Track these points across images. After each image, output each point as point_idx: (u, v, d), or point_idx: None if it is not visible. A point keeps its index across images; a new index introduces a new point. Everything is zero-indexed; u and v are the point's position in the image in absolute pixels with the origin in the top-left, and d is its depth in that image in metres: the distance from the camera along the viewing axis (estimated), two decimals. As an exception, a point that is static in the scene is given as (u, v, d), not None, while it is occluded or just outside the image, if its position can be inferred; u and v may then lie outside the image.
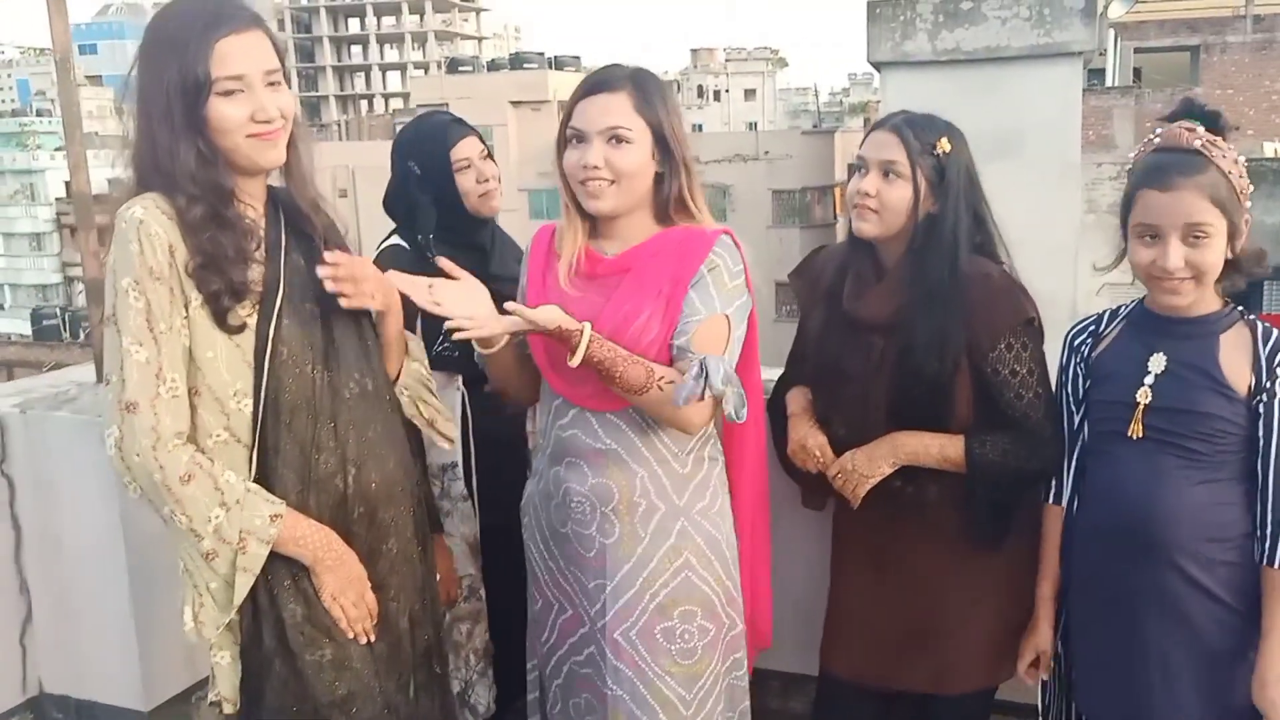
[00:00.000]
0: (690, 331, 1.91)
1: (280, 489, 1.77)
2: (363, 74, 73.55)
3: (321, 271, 1.78)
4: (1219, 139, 1.86)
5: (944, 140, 2.05)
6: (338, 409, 1.81)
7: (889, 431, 2.08)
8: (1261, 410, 1.83)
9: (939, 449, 2.06)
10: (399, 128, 2.83)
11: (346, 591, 1.81)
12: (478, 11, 78.04)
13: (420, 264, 2.30)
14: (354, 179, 26.45)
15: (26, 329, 39.54)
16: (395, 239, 2.52)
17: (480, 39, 77.42)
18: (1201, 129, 1.87)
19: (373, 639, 1.86)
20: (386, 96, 69.93)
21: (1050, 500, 2.10)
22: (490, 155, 2.57)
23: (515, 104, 32.66)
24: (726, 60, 68.60)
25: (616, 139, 1.92)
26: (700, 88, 64.78)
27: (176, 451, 1.69)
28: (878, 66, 4.36)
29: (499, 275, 2.31)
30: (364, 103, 70.85)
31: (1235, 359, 1.86)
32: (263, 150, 1.76)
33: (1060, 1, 4.01)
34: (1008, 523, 2.10)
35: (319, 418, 1.79)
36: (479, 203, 2.52)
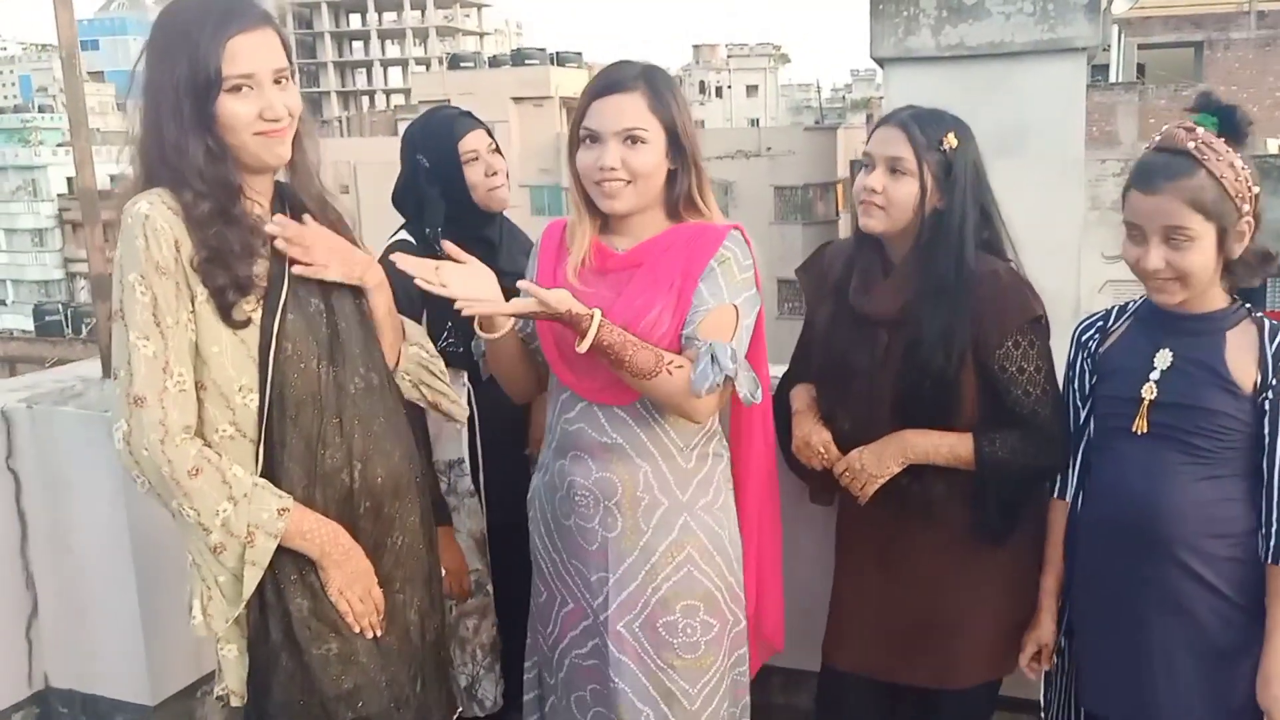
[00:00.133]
0: (698, 321, 1.91)
1: (286, 484, 1.77)
2: (364, 70, 73.39)
3: (268, 229, 1.78)
4: (1216, 141, 1.84)
5: (951, 136, 2.05)
6: (343, 404, 1.81)
7: (894, 426, 2.08)
8: (1267, 407, 1.83)
9: (949, 449, 2.06)
10: (400, 124, 2.83)
11: (353, 586, 1.82)
12: (479, 7, 77.84)
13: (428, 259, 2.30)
14: (355, 175, 26.42)
15: (29, 325, 39.61)
16: (403, 234, 2.52)
17: (482, 35, 77.31)
18: (1201, 130, 1.86)
19: (379, 633, 1.86)
20: (388, 92, 69.75)
21: (1055, 495, 2.11)
22: (498, 149, 2.57)
23: (517, 100, 32.54)
24: (729, 56, 68.37)
25: (632, 139, 1.92)
26: (702, 84, 64.57)
27: (184, 445, 1.70)
28: (881, 62, 4.34)
29: (508, 270, 2.32)
30: (365, 99, 70.61)
31: (1241, 356, 1.86)
32: (270, 148, 1.76)
33: (1064, -3, 4.00)
34: (1014, 519, 2.10)
35: (324, 412, 1.79)
36: (487, 196, 2.52)
